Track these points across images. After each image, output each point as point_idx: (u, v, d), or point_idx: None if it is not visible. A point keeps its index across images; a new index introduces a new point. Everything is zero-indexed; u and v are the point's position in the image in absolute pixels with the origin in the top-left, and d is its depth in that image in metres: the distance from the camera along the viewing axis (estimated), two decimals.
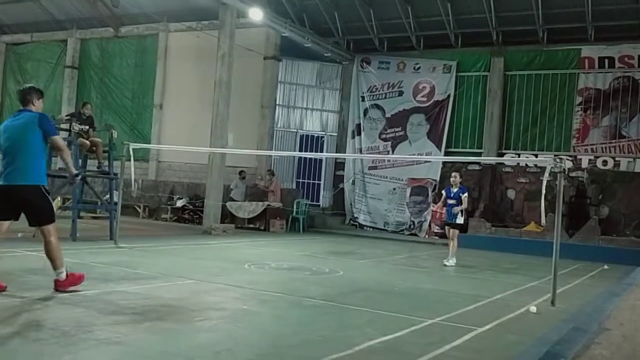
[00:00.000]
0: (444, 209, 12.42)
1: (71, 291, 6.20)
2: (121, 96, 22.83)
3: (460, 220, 11.81)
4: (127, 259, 9.26)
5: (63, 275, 6.21)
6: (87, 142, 12.01)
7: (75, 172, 6.96)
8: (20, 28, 24.85)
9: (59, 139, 6.58)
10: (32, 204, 6.14)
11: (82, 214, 14.75)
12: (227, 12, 16.32)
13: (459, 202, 11.67)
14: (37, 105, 6.41)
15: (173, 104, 21.52)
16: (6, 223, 6.20)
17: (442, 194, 12.51)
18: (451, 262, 11.65)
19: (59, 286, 6.20)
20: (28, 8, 23.52)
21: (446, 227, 12.27)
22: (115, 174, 12.63)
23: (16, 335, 4.51)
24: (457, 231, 11.91)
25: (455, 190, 11.86)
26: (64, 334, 4.56)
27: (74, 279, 6.33)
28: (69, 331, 4.64)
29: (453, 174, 12.26)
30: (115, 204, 12.30)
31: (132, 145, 11.63)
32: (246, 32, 18.14)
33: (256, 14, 16.60)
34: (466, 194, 11.93)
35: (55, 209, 7.38)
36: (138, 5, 20.94)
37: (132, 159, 11.42)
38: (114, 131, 12.73)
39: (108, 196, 13.45)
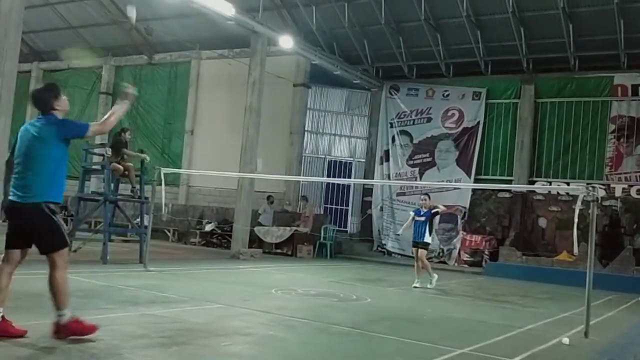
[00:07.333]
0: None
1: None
2: (152, 121, 23.26)
3: (428, 239, 11.70)
4: (156, 283, 9.34)
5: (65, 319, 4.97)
6: (120, 167, 12.23)
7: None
8: (57, 55, 25.57)
9: None
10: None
11: (112, 237, 14.93)
12: (258, 40, 16.57)
13: (428, 220, 11.58)
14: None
15: (204, 129, 21.84)
16: None
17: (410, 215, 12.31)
18: (430, 283, 11.68)
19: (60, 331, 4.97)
20: (65, 36, 24.25)
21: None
22: (146, 198, 12.79)
23: (43, 358, 4.54)
24: (424, 251, 11.83)
25: (424, 210, 11.78)
26: (93, 356, 4.60)
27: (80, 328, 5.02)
28: (97, 354, 4.68)
29: (422, 196, 12.22)
30: (146, 227, 12.40)
31: (163, 170, 11.78)
32: (276, 59, 18.39)
33: (287, 42, 16.81)
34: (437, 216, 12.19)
35: None
36: (171, 33, 21.41)
37: (162, 183, 11.57)
38: (146, 156, 12.93)
39: (139, 220, 13.62)
